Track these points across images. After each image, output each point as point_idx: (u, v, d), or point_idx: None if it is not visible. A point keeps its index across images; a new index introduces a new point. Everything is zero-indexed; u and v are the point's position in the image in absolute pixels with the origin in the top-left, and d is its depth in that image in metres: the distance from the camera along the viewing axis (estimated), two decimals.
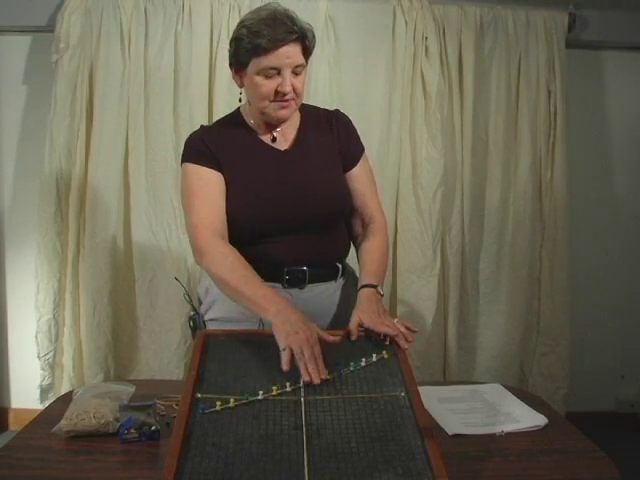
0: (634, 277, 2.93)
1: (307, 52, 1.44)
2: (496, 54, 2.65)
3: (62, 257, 2.57)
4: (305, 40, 1.41)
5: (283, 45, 1.37)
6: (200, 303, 1.61)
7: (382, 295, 1.45)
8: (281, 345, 1.19)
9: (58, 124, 2.50)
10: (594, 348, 2.92)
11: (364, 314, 1.35)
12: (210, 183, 1.46)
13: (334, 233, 1.55)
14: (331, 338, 1.24)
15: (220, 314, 1.53)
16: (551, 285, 2.72)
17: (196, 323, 1.57)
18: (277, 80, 1.40)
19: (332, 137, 1.56)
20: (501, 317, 2.71)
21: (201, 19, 2.51)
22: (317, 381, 1.13)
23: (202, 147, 1.49)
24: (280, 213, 1.46)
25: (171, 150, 2.53)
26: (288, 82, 1.40)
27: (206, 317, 1.56)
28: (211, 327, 1.52)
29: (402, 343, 1.28)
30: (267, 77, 1.40)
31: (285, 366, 1.16)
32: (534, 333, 2.76)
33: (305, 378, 1.14)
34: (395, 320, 1.35)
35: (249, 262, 1.41)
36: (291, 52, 1.39)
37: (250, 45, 1.39)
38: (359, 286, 1.47)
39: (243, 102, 1.56)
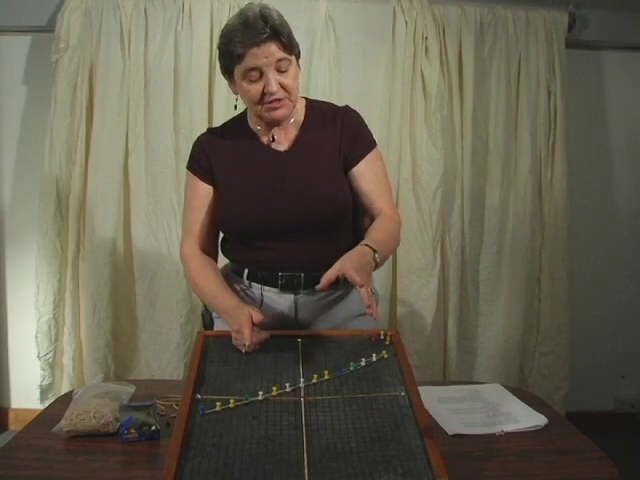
0: (634, 277, 2.93)
1: (287, 48, 1.39)
2: (496, 54, 2.65)
3: (62, 257, 2.57)
4: (280, 37, 1.37)
5: (256, 47, 1.34)
6: None
7: (376, 263, 1.32)
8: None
9: (58, 124, 2.50)
10: (594, 348, 2.92)
11: (345, 262, 1.25)
12: (200, 197, 1.53)
13: (336, 236, 1.49)
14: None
15: None
16: (551, 285, 2.72)
17: (205, 319, 1.60)
18: (262, 82, 1.38)
19: (334, 134, 1.49)
20: (501, 317, 2.70)
21: (201, 19, 2.51)
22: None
23: (201, 156, 1.53)
24: (273, 216, 1.44)
25: (171, 150, 2.54)
26: (272, 82, 1.37)
27: (214, 314, 1.56)
28: (218, 324, 1.54)
29: (368, 310, 1.21)
30: (252, 81, 1.38)
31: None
32: (534, 333, 2.76)
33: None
34: (370, 288, 1.23)
35: (245, 266, 1.51)
36: (267, 51, 1.35)
37: (227, 53, 1.39)
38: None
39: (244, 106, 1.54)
